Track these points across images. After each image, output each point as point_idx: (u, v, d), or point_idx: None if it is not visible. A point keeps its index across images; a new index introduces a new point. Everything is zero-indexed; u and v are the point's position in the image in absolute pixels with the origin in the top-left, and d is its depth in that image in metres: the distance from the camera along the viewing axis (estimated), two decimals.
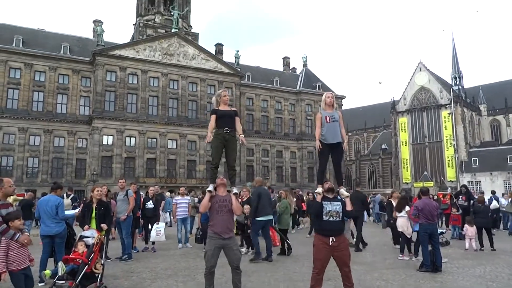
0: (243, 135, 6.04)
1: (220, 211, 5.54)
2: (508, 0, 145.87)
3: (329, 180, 6.00)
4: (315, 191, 5.73)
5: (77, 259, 6.33)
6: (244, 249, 11.07)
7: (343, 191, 5.69)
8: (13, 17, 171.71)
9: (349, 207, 5.50)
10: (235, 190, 5.68)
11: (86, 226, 7.29)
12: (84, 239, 6.66)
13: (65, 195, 15.33)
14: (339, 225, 5.38)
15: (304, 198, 19.28)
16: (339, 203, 5.44)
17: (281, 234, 11.13)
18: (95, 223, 7.54)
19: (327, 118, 5.73)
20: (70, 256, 6.49)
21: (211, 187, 5.64)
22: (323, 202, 5.38)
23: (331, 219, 5.29)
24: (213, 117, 5.83)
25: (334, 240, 5.24)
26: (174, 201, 12.90)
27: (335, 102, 5.97)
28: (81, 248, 6.52)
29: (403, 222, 10.29)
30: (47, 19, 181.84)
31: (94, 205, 7.75)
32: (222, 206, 5.56)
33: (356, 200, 11.95)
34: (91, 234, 6.80)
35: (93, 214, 7.61)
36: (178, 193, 14.12)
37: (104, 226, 7.51)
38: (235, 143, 5.86)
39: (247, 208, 11.21)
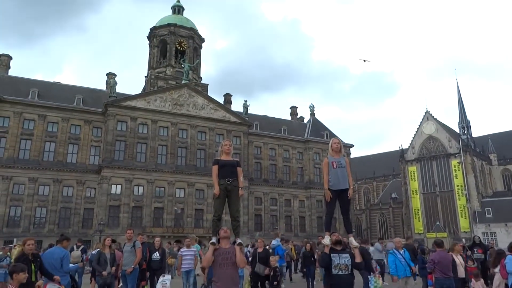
0: (242, 189, 5.96)
1: (224, 264, 5.23)
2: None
3: (337, 231, 5.85)
4: (323, 241, 5.56)
5: None
6: None
7: (352, 240, 5.51)
8: (31, 72, 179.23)
9: (358, 259, 5.29)
10: (239, 241, 5.47)
11: (41, 281, 6.84)
12: None
13: (75, 246, 15.03)
14: (348, 278, 5.18)
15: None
16: (348, 255, 5.27)
17: None
18: (35, 277, 6.99)
19: (334, 163, 5.66)
20: None
21: (214, 240, 5.43)
22: (331, 255, 5.21)
23: (340, 272, 5.10)
24: (215, 168, 5.79)
25: None
26: (179, 253, 12.50)
27: (342, 148, 5.93)
28: None
29: (500, 280, 9.38)
30: (65, 73, 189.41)
31: (31, 258, 7.16)
32: (226, 259, 5.25)
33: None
34: (57, 287, 6.68)
35: (32, 268, 7.01)
36: (176, 243, 13.77)
37: (57, 278, 7.10)
38: (237, 193, 5.77)
39: (273, 259, 11.13)
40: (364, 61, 43.16)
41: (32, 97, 49.25)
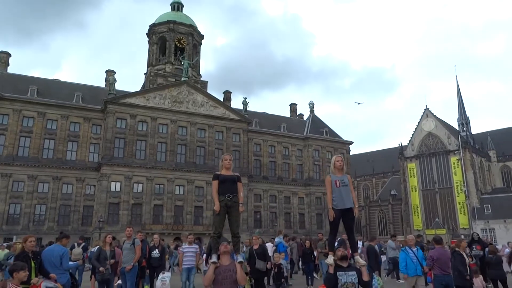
0: (242, 205, 5.89)
1: (224, 282, 5.02)
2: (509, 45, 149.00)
3: (341, 246, 5.68)
4: (327, 261, 5.44)
5: None
6: None
7: (358, 258, 5.38)
8: (30, 69, 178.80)
9: (365, 277, 5.10)
10: (240, 259, 5.31)
11: (36, 278, 6.77)
12: None
13: (76, 244, 15.07)
14: None
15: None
16: (354, 272, 5.11)
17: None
18: (35, 274, 6.89)
19: (337, 182, 5.55)
20: None
21: (214, 258, 5.22)
22: (337, 273, 5.04)
23: None
24: (215, 183, 5.66)
25: None
26: (181, 249, 12.41)
27: (345, 165, 5.84)
28: None
29: None
30: (64, 70, 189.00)
31: (31, 255, 7.06)
32: (226, 277, 5.05)
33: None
34: (53, 285, 6.76)
35: (32, 265, 6.91)
36: (174, 240, 13.71)
37: (54, 276, 7.07)
38: (237, 209, 5.67)
39: (277, 256, 11.63)
40: (358, 103, 44.60)
41: (31, 94, 49.17)
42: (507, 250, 16.16)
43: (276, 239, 15.18)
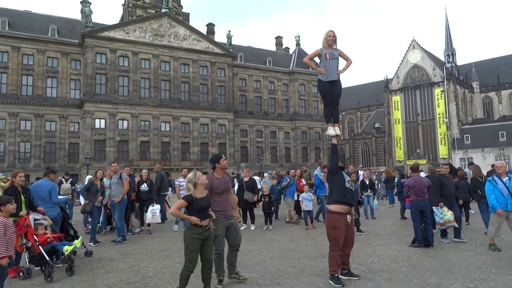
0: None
1: (225, 191, 5.65)
2: None
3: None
4: (328, 133, 5.58)
5: (50, 239, 6.82)
6: (252, 227, 11.79)
7: (331, 127, 5.51)
8: None
9: (334, 141, 5.49)
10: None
11: (24, 211, 6.84)
12: (40, 221, 6.94)
13: (63, 179, 15.21)
14: (355, 197, 5.34)
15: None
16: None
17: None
18: (25, 207, 6.95)
19: (327, 55, 5.65)
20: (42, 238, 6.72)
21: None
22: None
23: (352, 188, 5.21)
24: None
25: (351, 218, 5.12)
26: (177, 183, 12.91)
27: (336, 41, 5.85)
28: (41, 230, 6.76)
29: None
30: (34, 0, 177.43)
31: (20, 190, 7.04)
32: (224, 189, 5.67)
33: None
34: (41, 217, 7.03)
35: (22, 199, 6.94)
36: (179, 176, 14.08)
37: (41, 209, 7.24)
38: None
39: (266, 187, 12.58)
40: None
41: (3, 27, 46.62)
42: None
43: (315, 171, 15.41)
